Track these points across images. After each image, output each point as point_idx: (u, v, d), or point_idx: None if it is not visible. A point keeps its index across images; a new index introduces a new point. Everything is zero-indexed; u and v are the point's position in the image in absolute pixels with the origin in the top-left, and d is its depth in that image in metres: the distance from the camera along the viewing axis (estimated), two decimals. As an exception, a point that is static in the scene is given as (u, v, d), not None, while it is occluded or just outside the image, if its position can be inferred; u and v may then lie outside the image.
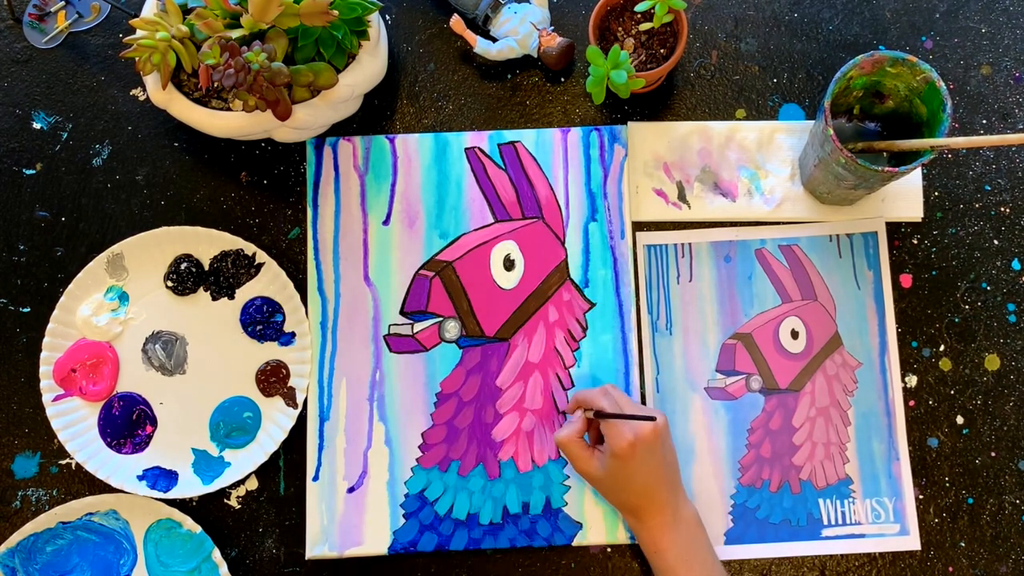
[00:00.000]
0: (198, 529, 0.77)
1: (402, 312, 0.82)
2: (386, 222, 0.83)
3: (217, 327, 0.82)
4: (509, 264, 0.82)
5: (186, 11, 0.76)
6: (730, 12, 0.87)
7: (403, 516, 0.79)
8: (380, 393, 0.81)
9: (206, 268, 0.82)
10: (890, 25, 0.86)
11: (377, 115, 0.86)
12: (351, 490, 0.79)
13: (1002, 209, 0.83)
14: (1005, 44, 0.85)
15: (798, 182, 0.83)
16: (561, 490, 0.79)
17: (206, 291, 0.82)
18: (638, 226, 0.83)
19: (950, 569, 0.78)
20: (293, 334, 0.81)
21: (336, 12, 0.73)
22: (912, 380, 0.81)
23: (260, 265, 0.82)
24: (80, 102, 0.86)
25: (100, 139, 0.86)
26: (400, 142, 0.85)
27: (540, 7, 0.85)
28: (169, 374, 0.82)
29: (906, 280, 0.82)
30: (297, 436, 0.80)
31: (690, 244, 0.83)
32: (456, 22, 0.83)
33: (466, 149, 0.84)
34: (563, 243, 0.83)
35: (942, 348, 0.81)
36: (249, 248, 0.82)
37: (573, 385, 0.81)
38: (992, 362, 0.81)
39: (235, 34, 0.72)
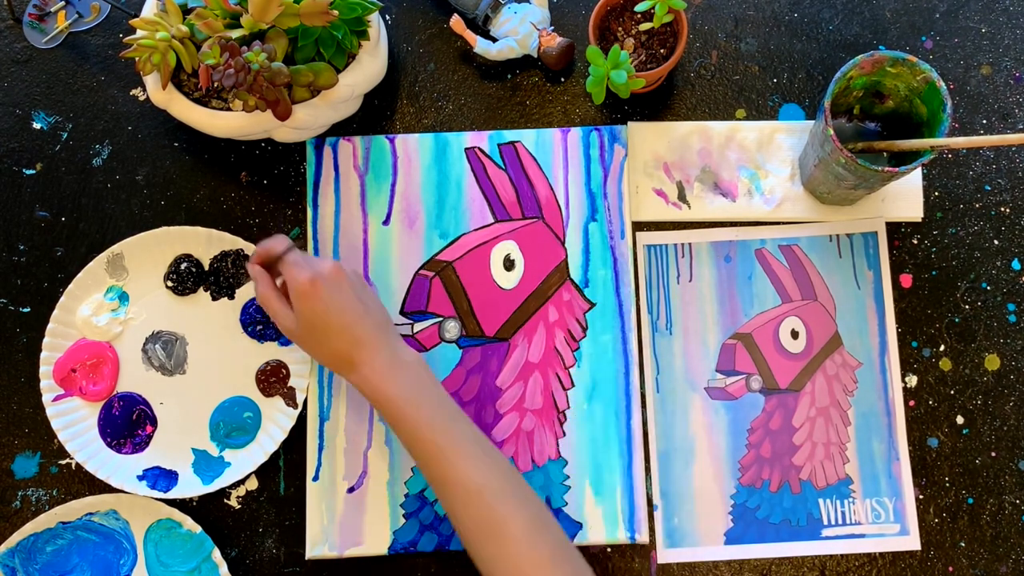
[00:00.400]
0: (198, 529, 0.77)
1: (402, 312, 0.82)
2: (386, 222, 0.83)
3: (217, 327, 0.82)
4: (509, 264, 0.82)
5: (186, 11, 0.76)
6: (730, 12, 0.87)
7: (403, 516, 0.79)
8: (380, 393, 0.81)
9: (206, 268, 0.82)
10: (890, 25, 0.86)
11: (377, 115, 0.86)
12: (351, 490, 0.79)
13: (1002, 209, 0.83)
14: (1005, 44, 0.85)
15: (798, 182, 0.83)
16: (561, 490, 0.79)
17: (206, 291, 0.82)
18: (638, 226, 0.83)
19: (950, 569, 0.78)
20: (293, 334, 0.81)
21: (336, 12, 0.73)
22: (912, 380, 0.81)
23: (260, 265, 0.82)
24: (80, 102, 0.86)
25: (100, 139, 0.86)
26: (400, 142, 0.85)
27: (540, 7, 0.85)
28: (169, 374, 0.82)
29: (906, 280, 0.82)
30: (297, 436, 0.80)
31: (690, 244, 0.83)
32: (456, 22, 0.83)
33: (466, 149, 0.84)
34: (563, 243, 0.83)
35: (942, 348, 0.81)
36: (249, 248, 0.82)
37: (573, 385, 0.81)
38: (992, 362, 0.81)
39: (235, 34, 0.72)
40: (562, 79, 0.86)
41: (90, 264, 0.81)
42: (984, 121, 0.84)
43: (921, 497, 0.79)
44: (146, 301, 0.82)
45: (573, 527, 0.79)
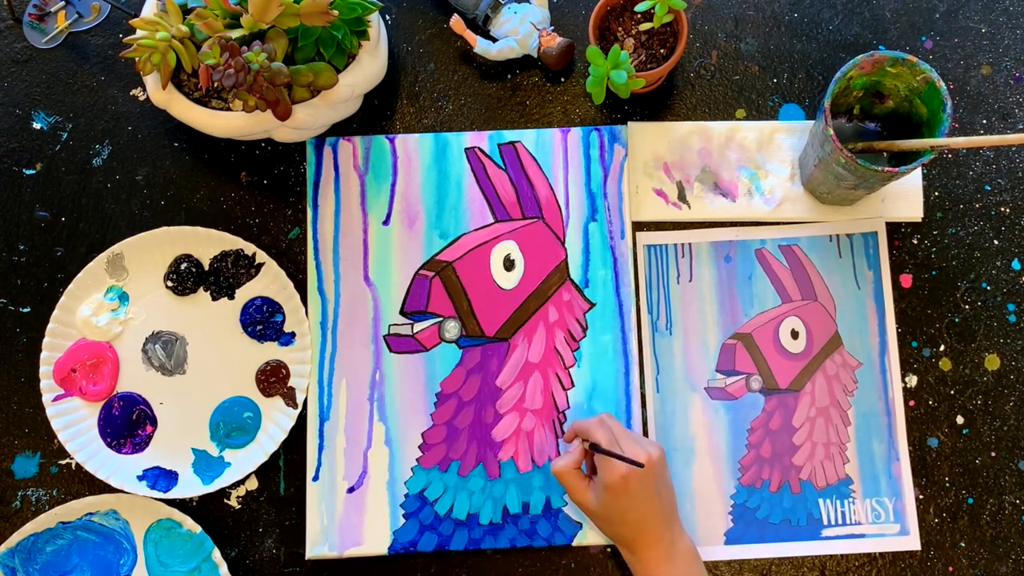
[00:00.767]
0: (198, 529, 0.77)
1: (402, 312, 0.82)
2: (386, 222, 0.83)
3: (217, 327, 0.82)
4: (509, 264, 0.82)
5: (186, 11, 0.76)
6: (730, 12, 0.87)
7: (403, 516, 0.79)
8: (380, 393, 0.81)
9: (206, 268, 0.82)
10: (890, 25, 0.86)
11: (377, 115, 0.86)
12: (351, 490, 0.79)
13: (1002, 209, 0.83)
14: (1005, 44, 0.85)
15: (798, 182, 0.83)
16: (561, 490, 0.79)
17: (206, 291, 0.82)
18: (638, 226, 0.83)
19: (950, 569, 0.78)
20: (293, 334, 0.81)
21: (336, 12, 0.73)
22: (912, 380, 0.81)
23: (260, 265, 0.82)
24: (80, 102, 0.86)
25: (100, 139, 0.86)
26: (400, 142, 0.85)
27: (540, 7, 0.85)
28: (169, 374, 0.82)
29: (906, 280, 0.82)
30: (297, 436, 0.80)
31: (690, 244, 0.83)
32: (456, 22, 0.83)
33: (466, 149, 0.84)
34: (563, 243, 0.83)
35: (942, 348, 0.81)
36: (249, 248, 0.82)
37: (573, 385, 0.81)
38: (992, 362, 0.81)
39: (235, 34, 0.72)
40: (562, 79, 0.86)
41: (90, 264, 0.81)
42: (984, 121, 0.84)
43: (921, 497, 0.79)
44: (146, 301, 0.82)
45: (573, 527, 0.79)
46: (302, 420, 0.80)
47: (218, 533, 0.80)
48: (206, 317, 0.82)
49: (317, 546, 0.78)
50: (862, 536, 0.79)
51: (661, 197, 0.83)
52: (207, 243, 0.82)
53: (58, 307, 0.80)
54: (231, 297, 0.82)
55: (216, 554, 0.77)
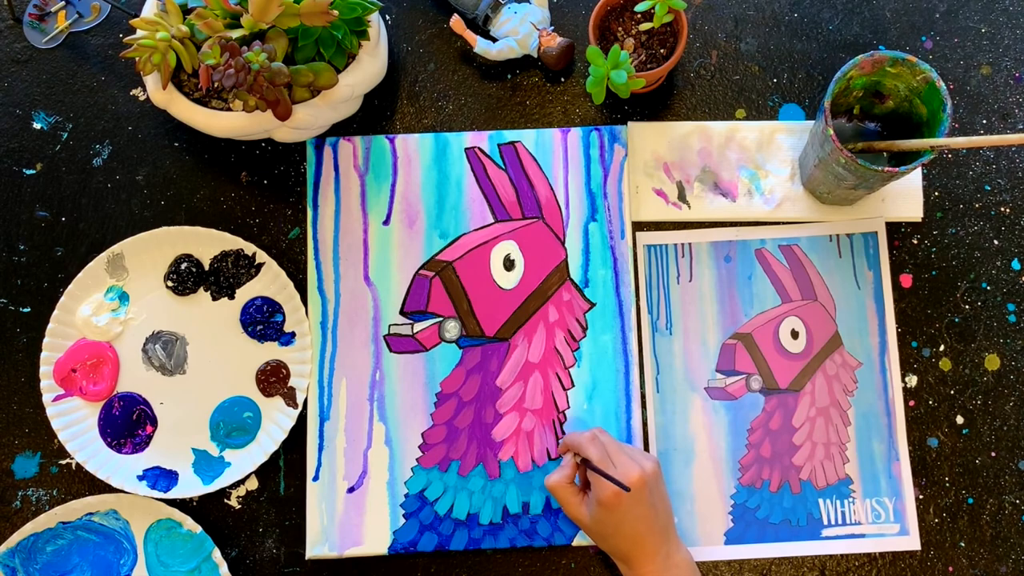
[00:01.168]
0: (198, 529, 0.77)
1: (402, 312, 0.82)
2: (386, 222, 0.83)
3: (217, 327, 0.82)
4: (509, 264, 0.82)
5: (186, 11, 0.76)
6: (730, 12, 0.87)
7: (403, 516, 0.79)
8: (380, 393, 0.81)
9: (206, 268, 0.82)
10: (890, 25, 0.86)
11: (377, 115, 0.86)
12: (351, 490, 0.79)
13: (1002, 209, 0.83)
14: (1005, 44, 0.85)
15: (798, 182, 0.83)
16: (561, 490, 0.79)
17: (206, 291, 0.82)
18: (638, 226, 0.83)
19: (950, 569, 0.78)
20: (293, 334, 0.81)
21: (336, 12, 0.73)
22: (912, 380, 0.81)
23: (260, 265, 0.82)
24: (80, 102, 0.86)
25: (100, 139, 0.86)
26: (400, 142, 0.85)
27: (540, 7, 0.85)
28: (169, 374, 0.82)
29: (906, 280, 0.82)
30: (297, 436, 0.80)
31: (690, 244, 0.83)
32: (456, 22, 0.83)
33: (466, 149, 0.84)
34: (563, 243, 0.83)
35: (942, 348, 0.81)
36: (249, 248, 0.82)
37: (573, 385, 0.81)
38: (992, 362, 0.81)
39: (235, 34, 0.72)
40: (562, 79, 0.86)
41: (90, 264, 0.81)
42: (984, 121, 0.84)
43: (921, 497, 0.79)
44: (146, 301, 0.82)
45: (573, 527, 0.79)
46: (302, 420, 0.80)
47: (218, 533, 0.80)
48: (206, 317, 0.82)
49: (317, 546, 0.79)
50: (862, 536, 0.79)
51: (661, 197, 0.83)
52: (207, 243, 0.82)
53: (58, 307, 0.80)
54: (231, 297, 0.82)
55: (216, 554, 0.77)
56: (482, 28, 0.86)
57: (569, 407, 0.80)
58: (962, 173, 0.83)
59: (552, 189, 0.84)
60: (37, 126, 0.86)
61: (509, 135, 0.84)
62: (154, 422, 0.81)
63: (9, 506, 0.81)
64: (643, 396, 0.81)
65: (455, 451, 0.80)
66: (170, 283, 0.82)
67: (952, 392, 0.81)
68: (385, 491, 0.79)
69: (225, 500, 0.80)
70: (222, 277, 0.82)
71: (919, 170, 0.83)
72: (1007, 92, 0.85)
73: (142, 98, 0.87)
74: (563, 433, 0.80)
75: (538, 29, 0.83)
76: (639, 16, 0.81)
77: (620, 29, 0.81)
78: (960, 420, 0.80)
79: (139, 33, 0.75)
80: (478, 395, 0.81)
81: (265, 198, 0.85)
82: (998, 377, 0.81)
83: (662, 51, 0.80)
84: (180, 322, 0.82)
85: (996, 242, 0.82)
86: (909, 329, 0.81)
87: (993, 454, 0.80)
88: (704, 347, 0.82)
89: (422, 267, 0.82)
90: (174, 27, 0.74)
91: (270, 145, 0.85)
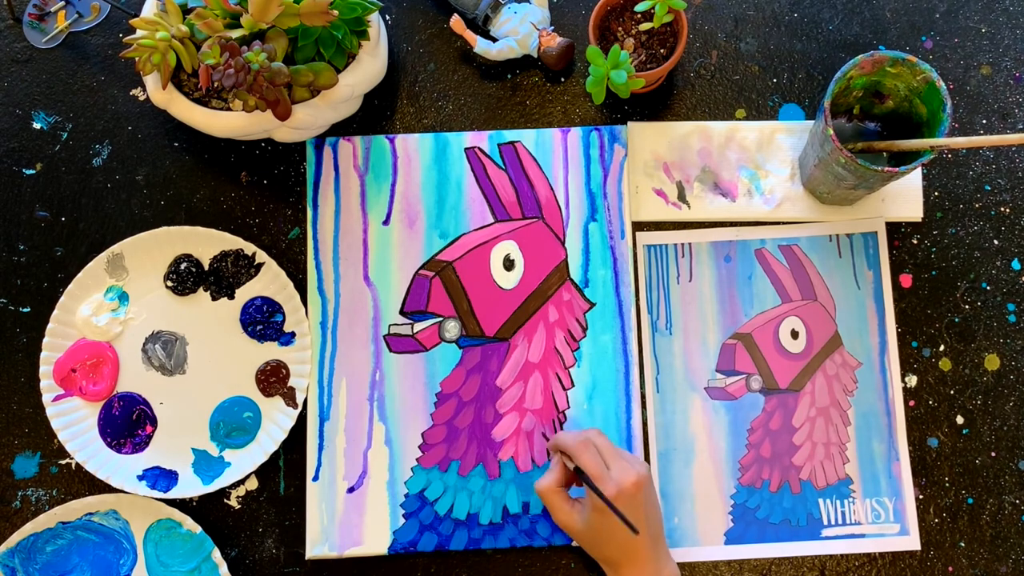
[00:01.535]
0: (198, 529, 0.77)
1: (402, 312, 0.82)
2: (386, 222, 0.83)
3: (217, 327, 0.82)
4: (509, 264, 0.82)
5: (186, 11, 0.76)
6: (730, 12, 0.87)
7: (403, 516, 0.79)
8: (380, 393, 0.81)
9: (206, 268, 0.82)
10: (890, 25, 0.86)
11: (377, 115, 0.86)
12: (351, 490, 0.79)
13: (1002, 209, 0.83)
14: (1005, 44, 0.85)
15: (798, 182, 0.83)
16: (561, 490, 0.79)
17: (206, 291, 0.82)
18: (638, 226, 0.83)
19: (950, 569, 0.78)
20: (293, 334, 0.81)
21: (336, 12, 0.73)
22: (912, 380, 0.81)
23: (260, 265, 0.82)
24: (80, 102, 0.86)
25: (100, 139, 0.86)
26: (400, 142, 0.85)
27: (540, 7, 0.85)
28: (169, 374, 0.82)
29: (906, 280, 0.82)
30: (297, 436, 0.80)
31: (690, 244, 0.83)
32: (456, 22, 0.83)
33: (466, 149, 0.84)
34: (563, 243, 0.83)
35: (942, 348, 0.81)
36: (249, 248, 0.82)
37: (573, 385, 0.81)
38: (992, 362, 0.81)
39: (235, 34, 0.72)
40: (562, 79, 0.86)
41: (90, 264, 0.81)
42: (984, 121, 0.84)
43: (921, 497, 0.79)
44: (146, 301, 0.82)
45: (573, 527, 0.79)
46: (302, 420, 0.80)
47: (218, 533, 0.80)
48: (206, 317, 0.82)
49: (317, 546, 0.79)
50: (862, 536, 0.79)
51: (661, 197, 0.83)
52: (207, 243, 0.82)
53: (58, 307, 0.80)
54: (231, 297, 0.82)
55: (216, 554, 0.77)
56: (482, 28, 0.86)
57: (569, 407, 0.80)
58: (962, 173, 0.83)
59: (552, 189, 0.84)
60: (37, 126, 0.86)
61: (509, 135, 0.84)
62: (154, 422, 0.81)
63: (9, 506, 0.81)
64: (643, 396, 0.81)
65: (455, 451, 0.80)
66: (170, 283, 0.82)
67: (952, 392, 0.81)
68: (385, 491, 0.79)
69: (225, 500, 0.80)
70: (222, 277, 0.82)
71: (919, 170, 0.83)
72: (1007, 92, 0.85)
73: (142, 98, 0.87)
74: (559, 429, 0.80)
75: (538, 29, 0.83)
76: (639, 16, 0.81)
77: (620, 29, 0.81)
78: (960, 420, 0.80)
79: (139, 33, 0.75)
80: (478, 395, 0.81)
81: (265, 198, 0.85)
82: (998, 377, 0.81)
83: (662, 51, 0.80)
84: (180, 322, 0.82)
85: (996, 242, 0.82)
86: (909, 329, 0.81)
87: (993, 454, 0.80)
88: (704, 347, 0.82)
89: (422, 267, 0.82)
90: (174, 27, 0.74)
91: (270, 145, 0.85)
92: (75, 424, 0.80)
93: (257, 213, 0.84)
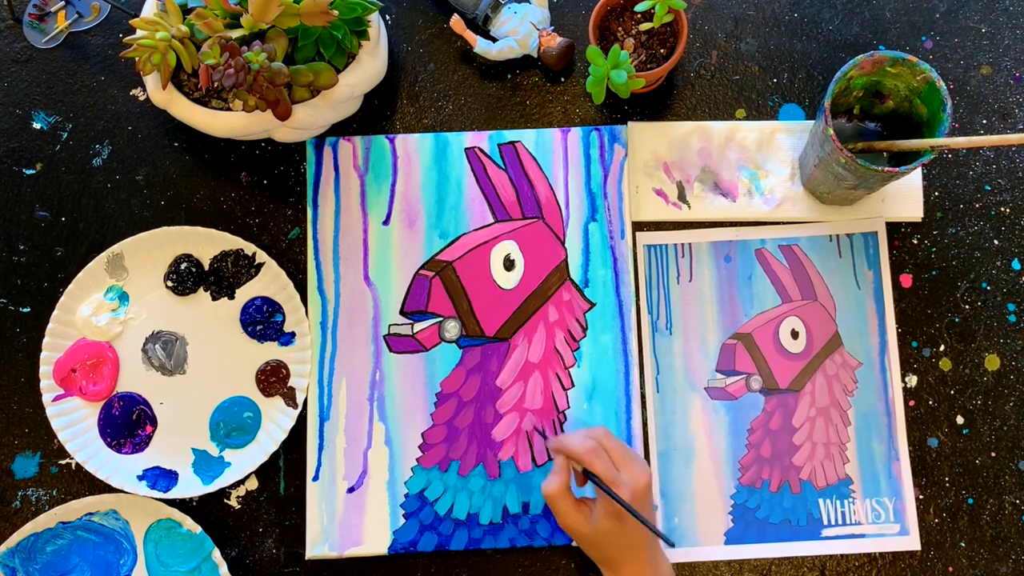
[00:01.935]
0: (198, 529, 0.77)
1: (402, 312, 0.82)
2: (386, 222, 0.83)
3: (217, 327, 0.82)
4: (509, 264, 0.82)
5: (186, 11, 0.76)
6: (730, 12, 0.87)
7: (403, 516, 0.79)
8: (380, 393, 0.81)
9: (206, 268, 0.82)
10: (890, 25, 0.86)
11: (377, 115, 0.86)
12: (351, 490, 0.79)
13: (1002, 209, 0.83)
14: (1005, 44, 0.85)
15: (798, 182, 0.83)
16: (561, 490, 0.79)
17: (206, 291, 0.82)
18: (638, 226, 0.83)
19: (950, 569, 0.78)
20: (293, 334, 0.81)
21: (336, 12, 0.73)
22: (912, 380, 0.81)
23: (260, 265, 0.82)
24: (80, 102, 0.86)
25: (100, 139, 0.86)
26: (400, 142, 0.85)
27: (540, 7, 0.85)
28: (169, 374, 0.82)
29: (906, 280, 0.82)
30: (297, 436, 0.80)
31: (690, 244, 0.83)
32: (456, 22, 0.83)
33: (466, 149, 0.84)
34: (563, 243, 0.83)
35: (942, 348, 0.81)
36: (249, 248, 0.82)
37: (573, 385, 0.81)
38: (992, 362, 0.81)
39: (235, 34, 0.72)
40: (562, 79, 0.86)
41: (90, 264, 0.81)
42: (984, 121, 0.84)
43: (921, 497, 0.79)
44: (146, 301, 0.82)
45: (573, 527, 0.79)
46: (302, 420, 0.80)
47: (218, 533, 0.80)
48: (206, 317, 0.82)
49: (317, 546, 0.79)
50: (862, 536, 0.79)
51: (661, 197, 0.83)
52: (207, 243, 0.82)
53: (58, 307, 0.80)
54: (231, 297, 0.82)
55: (216, 554, 0.77)
56: (482, 28, 0.86)
57: (569, 407, 0.80)
58: (962, 173, 0.83)
59: (552, 189, 0.84)
60: (37, 126, 0.86)
61: (509, 135, 0.84)
62: (154, 422, 0.81)
63: (9, 506, 0.81)
64: (643, 396, 0.81)
65: (455, 451, 0.80)
66: (170, 283, 0.82)
67: (952, 392, 0.81)
68: (385, 491, 0.79)
69: (225, 500, 0.80)
70: (222, 277, 0.82)
71: (919, 170, 0.83)
72: (1007, 92, 0.85)
73: (142, 98, 0.87)
74: (563, 433, 0.80)
75: (538, 29, 0.83)
76: (639, 16, 0.81)
77: (620, 29, 0.81)
78: (960, 420, 0.80)
79: (139, 33, 0.75)
80: (478, 395, 0.81)
81: (265, 198, 0.85)
82: (998, 377, 0.81)
83: (662, 51, 0.80)
84: (180, 322, 0.82)
85: (996, 242, 0.82)
86: (909, 329, 0.81)
87: (993, 454, 0.80)
88: (704, 347, 0.82)
89: (422, 267, 0.82)
90: (174, 27, 0.74)
91: (270, 145, 0.85)
92: (75, 424, 0.80)
93: (257, 213, 0.84)
